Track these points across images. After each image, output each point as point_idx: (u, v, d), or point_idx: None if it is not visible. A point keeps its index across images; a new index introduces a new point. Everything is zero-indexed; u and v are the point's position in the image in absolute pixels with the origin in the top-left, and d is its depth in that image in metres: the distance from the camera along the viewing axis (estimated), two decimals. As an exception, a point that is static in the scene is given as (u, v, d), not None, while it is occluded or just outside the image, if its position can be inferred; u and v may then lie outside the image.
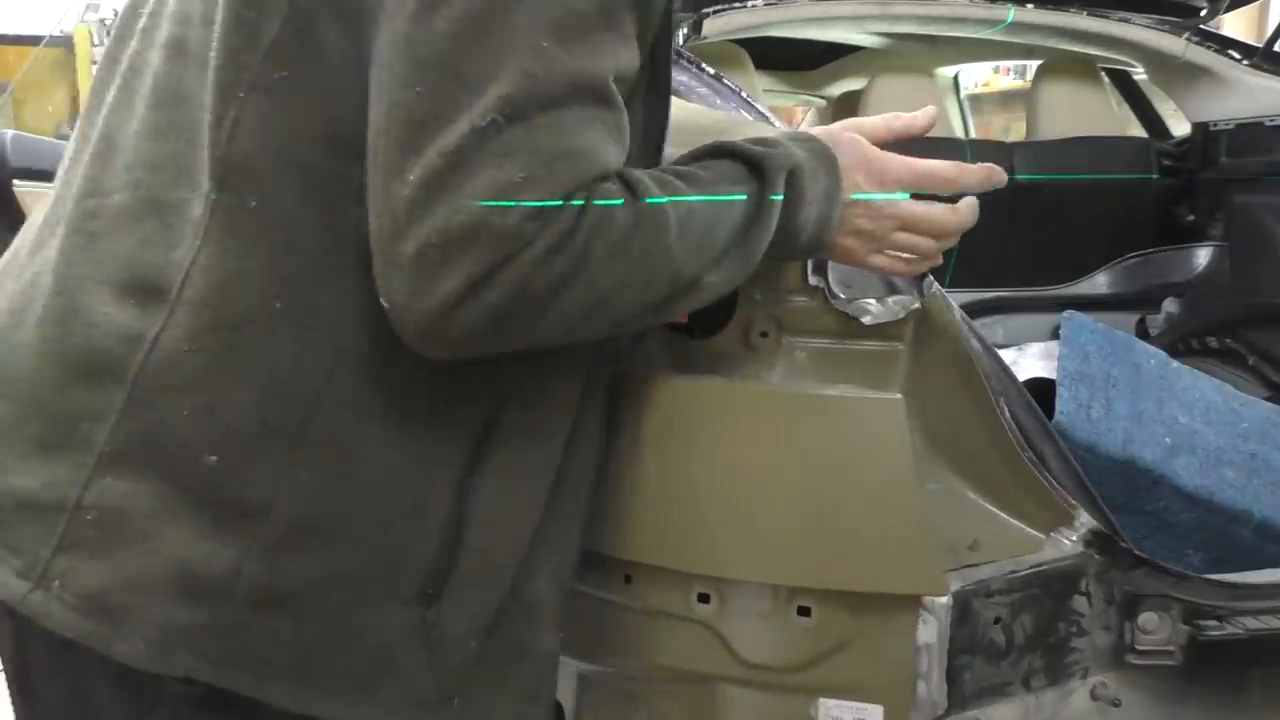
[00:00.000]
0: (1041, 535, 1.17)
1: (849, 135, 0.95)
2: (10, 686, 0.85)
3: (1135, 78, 2.81)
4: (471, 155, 0.66)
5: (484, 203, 0.66)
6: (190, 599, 0.73)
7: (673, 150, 0.92)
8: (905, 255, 0.96)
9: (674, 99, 1.35)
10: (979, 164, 0.97)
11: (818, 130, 0.97)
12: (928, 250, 0.96)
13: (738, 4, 1.96)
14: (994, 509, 1.20)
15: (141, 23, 0.85)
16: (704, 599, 1.08)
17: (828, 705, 1.08)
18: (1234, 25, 3.94)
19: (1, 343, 0.81)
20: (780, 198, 0.83)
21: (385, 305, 0.70)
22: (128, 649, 0.73)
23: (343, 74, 0.74)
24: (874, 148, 0.94)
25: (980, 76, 5.96)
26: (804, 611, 1.06)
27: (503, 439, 0.81)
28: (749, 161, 0.84)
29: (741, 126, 1.31)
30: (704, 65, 1.50)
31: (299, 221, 0.75)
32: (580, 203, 0.70)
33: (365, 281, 0.72)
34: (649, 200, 0.74)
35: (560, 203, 0.68)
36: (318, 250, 0.75)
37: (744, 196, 0.82)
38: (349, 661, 0.77)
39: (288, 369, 0.75)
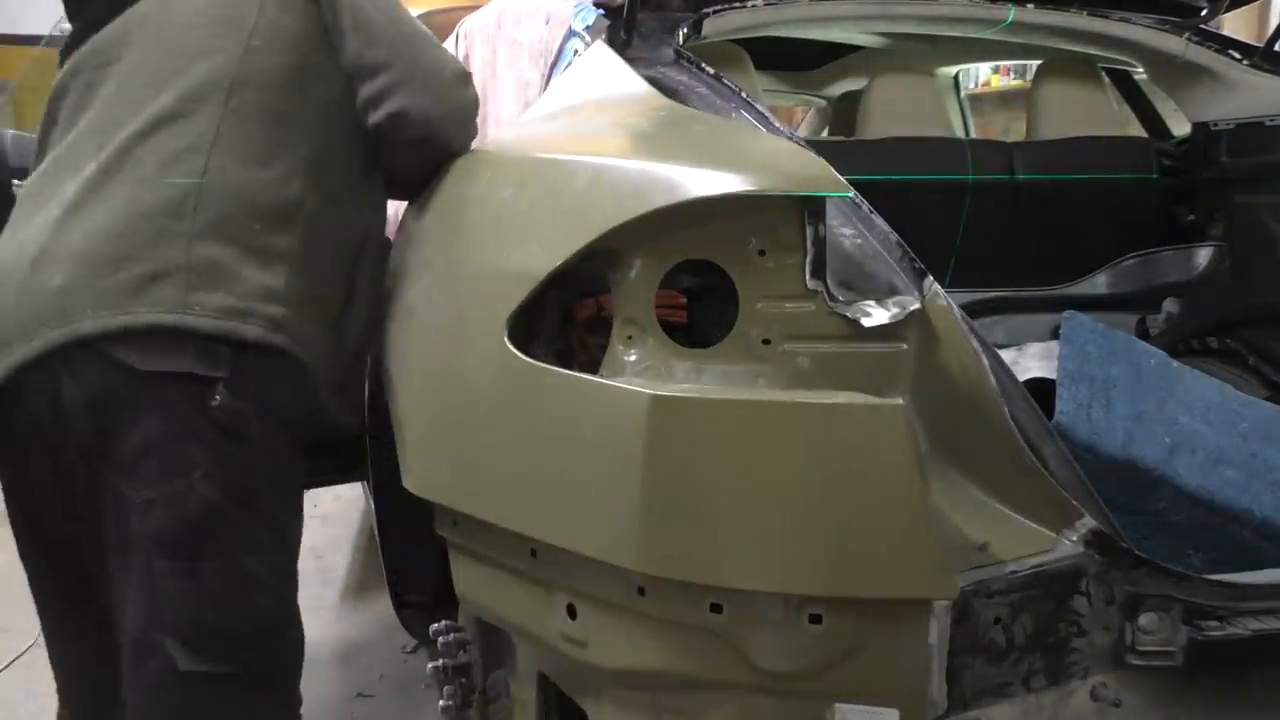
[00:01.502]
0: (1053, 534, 1.17)
1: None
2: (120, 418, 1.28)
3: (1135, 78, 2.81)
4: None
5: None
6: (272, 302, 1.33)
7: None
8: None
9: (672, 101, 1.36)
10: None
11: None
12: None
13: (738, 4, 1.96)
14: (1004, 509, 1.20)
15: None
16: (716, 609, 1.07)
17: (843, 710, 1.07)
18: (1234, 25, 3.93)
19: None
20: None
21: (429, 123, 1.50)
22: (251, 330, 1.30)
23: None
24: None
25: (980, 76, 5.97)
26: (815, 619, 1.05)
27: (371, 249, 1.55)
28: None
29: (742, 132, 1.31)
30: (704, 65, 1.50)
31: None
32: None
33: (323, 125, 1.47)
34: None
35: None
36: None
37: None
38: (322, 330, 1.44)
39: (275, 185, 1.38)
